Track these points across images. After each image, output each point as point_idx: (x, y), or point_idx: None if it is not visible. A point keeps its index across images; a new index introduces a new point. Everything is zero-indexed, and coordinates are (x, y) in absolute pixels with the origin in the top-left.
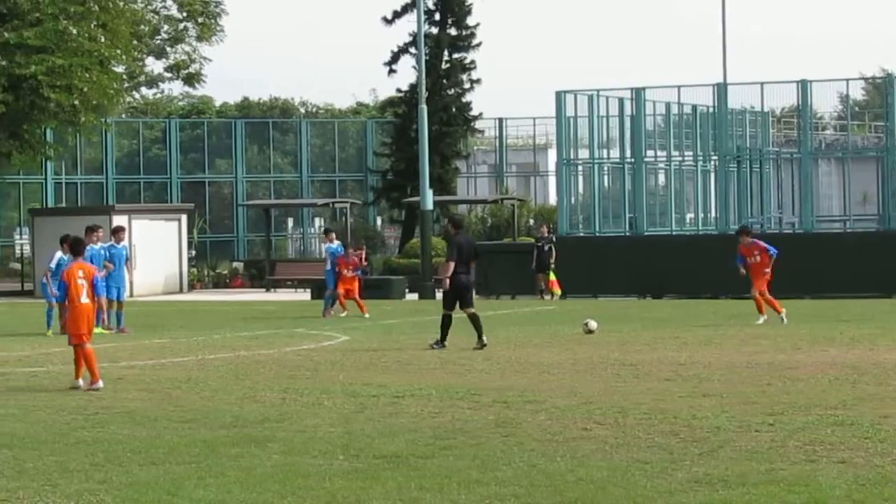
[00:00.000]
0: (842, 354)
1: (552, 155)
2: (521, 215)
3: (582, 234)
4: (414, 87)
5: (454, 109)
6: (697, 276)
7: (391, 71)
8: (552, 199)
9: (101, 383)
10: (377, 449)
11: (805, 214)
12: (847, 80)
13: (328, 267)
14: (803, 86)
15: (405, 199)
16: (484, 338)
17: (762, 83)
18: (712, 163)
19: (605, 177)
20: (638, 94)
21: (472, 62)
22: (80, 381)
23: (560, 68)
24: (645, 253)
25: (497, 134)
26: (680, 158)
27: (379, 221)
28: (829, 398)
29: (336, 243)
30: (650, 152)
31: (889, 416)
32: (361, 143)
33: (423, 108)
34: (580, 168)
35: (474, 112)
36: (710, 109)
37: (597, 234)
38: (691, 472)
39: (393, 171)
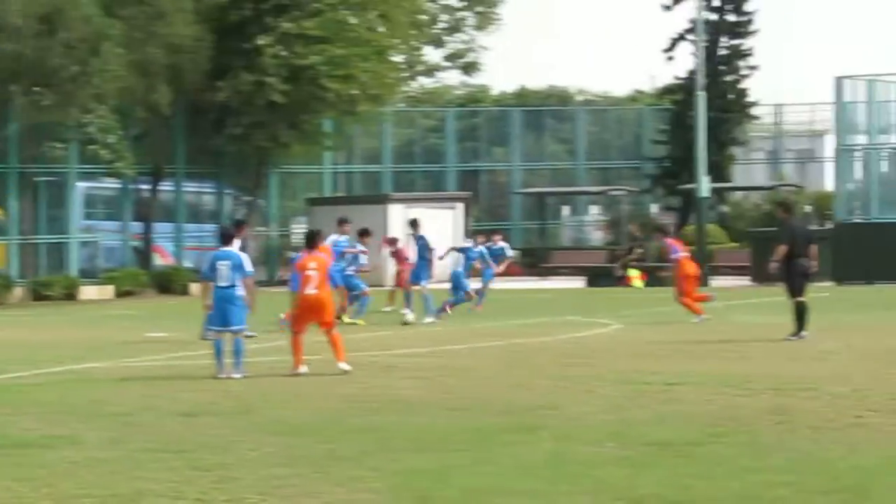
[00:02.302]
0: None
1: (829, 141)
2: (798, 202)
3: (859, 221)
4: (692, 74)
5: (731, 96)
6: None
7: (669, 58)
8: (829, 186)
9: (304, 368)
10: (648, 436)
11: None
12: None
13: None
14: None
15: (681, 187)
16: (804, 332)
17: None
18: None
19: (884, 162)
20: None
21: (750, 49)
22: (303, 368)
23: (839, 54)
24: None
25: (774, 120)
26: None
27: (655, 209)
28: None
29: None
30: None
31: None
32: (637, 131)
33: (701, 94)
34: (858, 154)
35: (751, 99)
36: None
37: (874, 221)
38: None
39: (669, 159)
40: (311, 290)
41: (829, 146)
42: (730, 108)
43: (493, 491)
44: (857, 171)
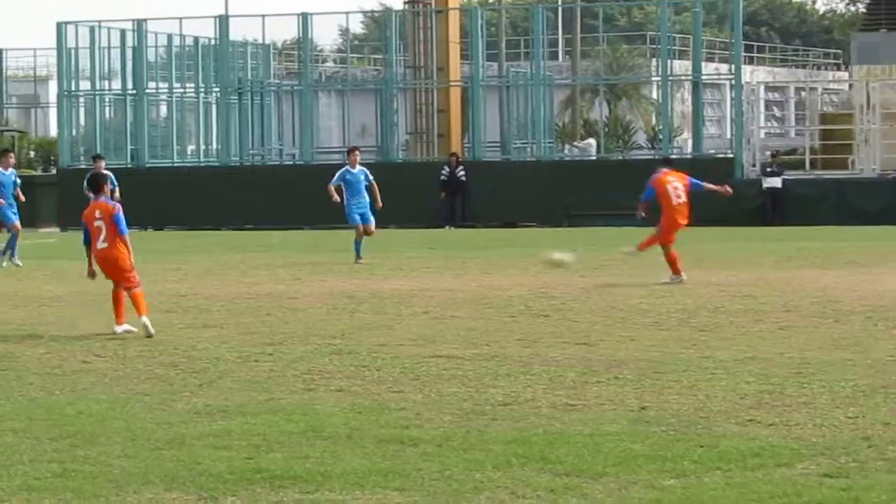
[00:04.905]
0: (340, 284)
1: (53, 87)
2: (22, 147)
3: (83, 167)
4: None
5: None
6: (199, 207)
7: None
8: (53, 132)
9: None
10: None
11: (305, 146)
12: (347, 13)
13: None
14: (304, 19)
15: None
16: None
17: (264, 16)
18: (214, 95)
19: (108, 108)
20: (140, 25)
21: None
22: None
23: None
24: (147, 185)
25: None
26: (182, 90)
27: None
28: (327, 328)
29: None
30: (152, 84)
31: (385, 344)
32: None
33: None
34: (82, 100)
35: None
36: (213, 41)
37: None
38: (191, 403)
39: None
40: (101, 244)
41: (53, 92)
42: None
43: None
44: (82, 116)
